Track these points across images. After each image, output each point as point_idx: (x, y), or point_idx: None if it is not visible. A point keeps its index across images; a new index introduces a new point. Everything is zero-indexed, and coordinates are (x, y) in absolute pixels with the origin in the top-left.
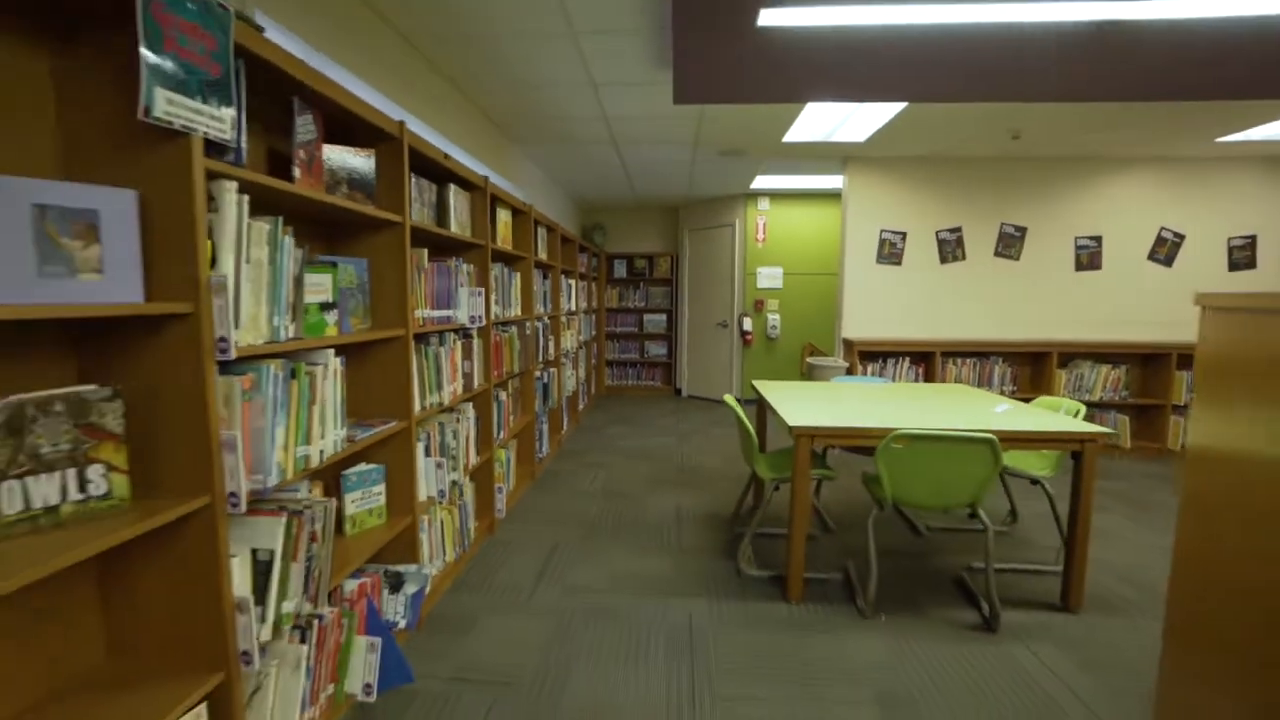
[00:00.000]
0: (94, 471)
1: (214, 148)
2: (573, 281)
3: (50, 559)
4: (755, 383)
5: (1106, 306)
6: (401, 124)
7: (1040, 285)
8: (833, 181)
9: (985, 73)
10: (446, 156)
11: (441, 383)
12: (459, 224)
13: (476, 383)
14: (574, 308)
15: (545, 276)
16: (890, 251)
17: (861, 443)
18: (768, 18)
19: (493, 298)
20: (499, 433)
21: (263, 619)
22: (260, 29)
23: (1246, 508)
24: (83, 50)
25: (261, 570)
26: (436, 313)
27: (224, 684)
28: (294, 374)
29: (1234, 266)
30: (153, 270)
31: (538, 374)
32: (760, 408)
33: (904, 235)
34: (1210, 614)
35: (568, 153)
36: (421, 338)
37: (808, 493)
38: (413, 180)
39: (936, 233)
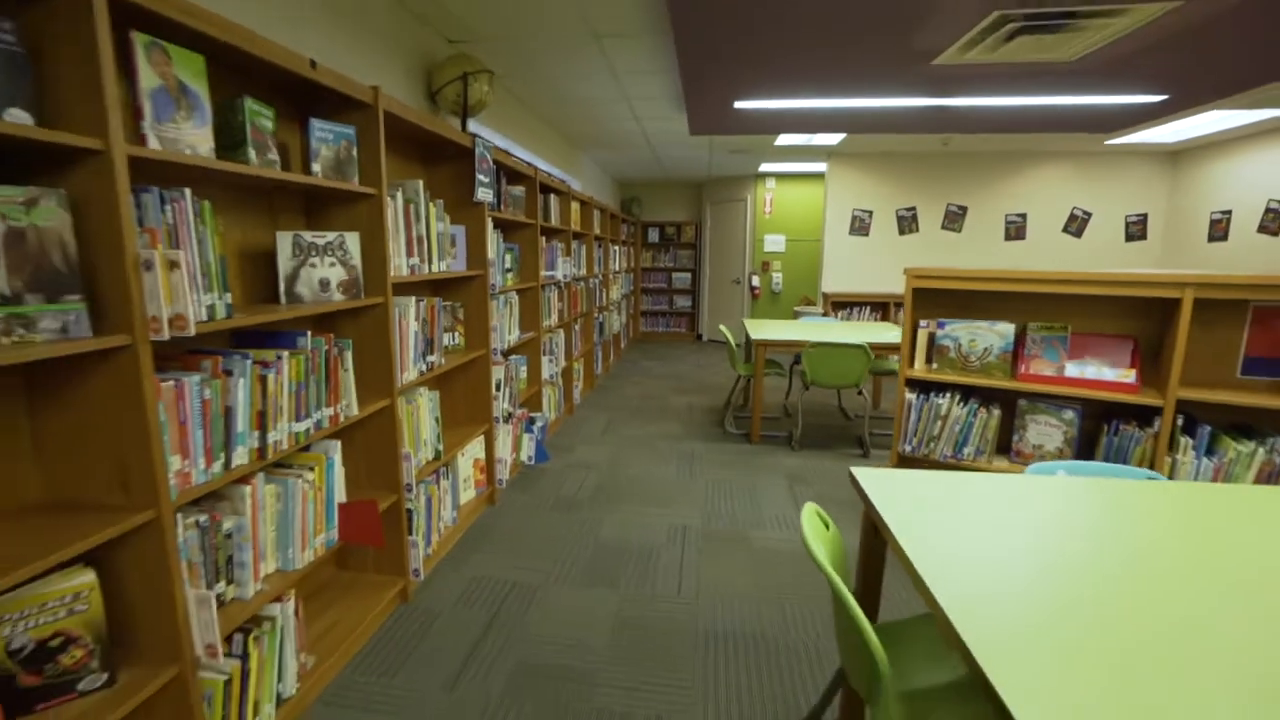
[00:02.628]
0: (456, 334)
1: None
2: (617, 248)
3: (457, 361)
4: (745, 321)
5: (1029, 268)
6: (535, 169)
7: (977, 252)
8: (824, 167)
9: (878, 123)
10: (550, 177)
11: (550, 314)
12: (554, 218)
13: (565, 317)
14: (618, 268)
15: (599, 245)
16: (860, 226)
17: (795, 349)
18: (740, 105)
19: (571, 262)
20: (575, 350)
21: (498, 408)
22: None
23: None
24: (438, 167)
25: (497, 387)
26: (547, 273)
27: (489, 430)
28: (505, 302)
29: (1130, 238)
30: (470, 258)
31: (596, 315)
32: (747, 339)
33: (871, 213)
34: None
35: (615, 151)
36: (542, 287)
37: (762, 378)
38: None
39: (896, 211)
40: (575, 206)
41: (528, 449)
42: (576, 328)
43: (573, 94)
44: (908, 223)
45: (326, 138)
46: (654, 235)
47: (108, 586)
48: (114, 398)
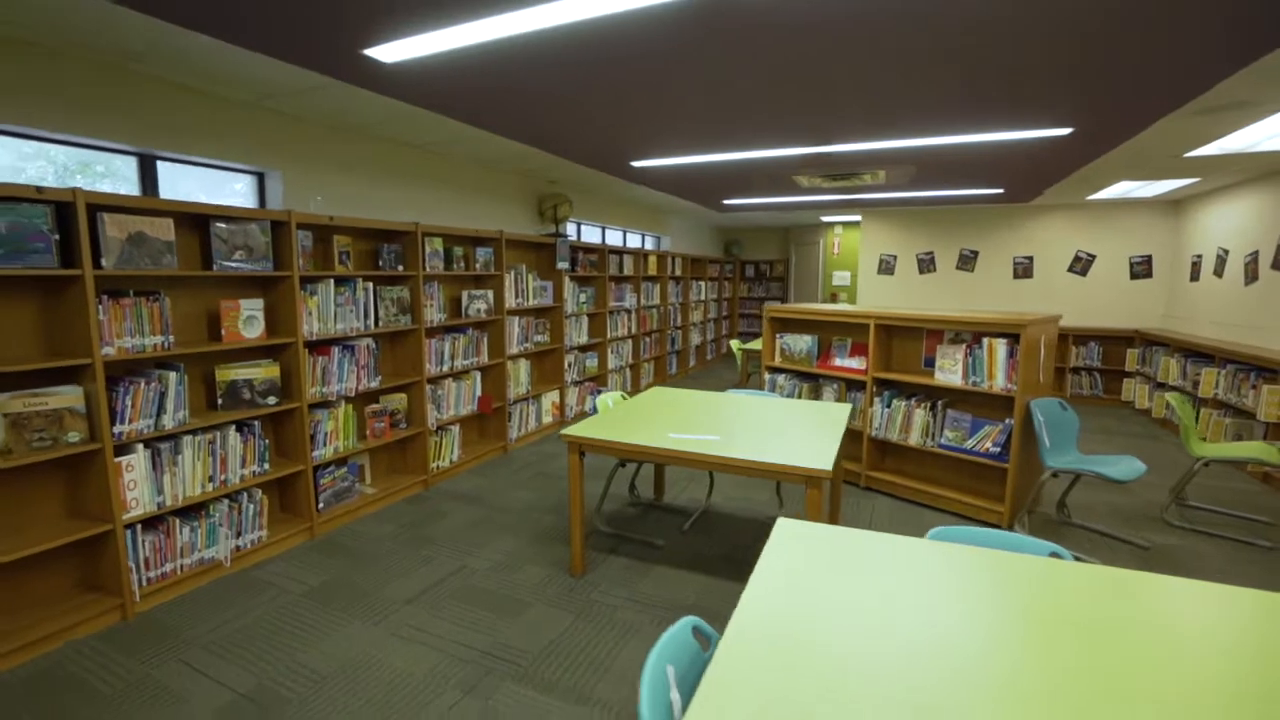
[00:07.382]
0: (545, 335)
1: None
2: (703, 283)
3: (545, 348)
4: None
5: (1036, 302)
6: (604, 246)
7: (987, 289)
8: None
9: (834, 205)
10: (615, 246)
11: (618, 328)
12: (625, 269)
13: (633, 331)
14: (702, 298)
15: (676, 284)
16: (886, 266)
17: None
18: (725, 204)
19: (640, 296)
20: (644, 354)
21: (570, 376)
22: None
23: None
24: (539, 252)
25: (568, 366)
26: (615, 303)
27: (561, 388)
28: (577, 321)
29: (1134, 276)
30: (555, 297)
31: (669, 332)
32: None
33: (895, 256)
34: None
35: (693, 216)
36: (611, 312)
37: (747, 374)
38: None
39: (917, 254)
40: (654, 258)
41: (590, 404)
42: (648, 339)
43: (637, 193)
44: (926, 264)
45: (482, 254)
46: (750, 271)
47: (409, 400)
48: (413, 345)
